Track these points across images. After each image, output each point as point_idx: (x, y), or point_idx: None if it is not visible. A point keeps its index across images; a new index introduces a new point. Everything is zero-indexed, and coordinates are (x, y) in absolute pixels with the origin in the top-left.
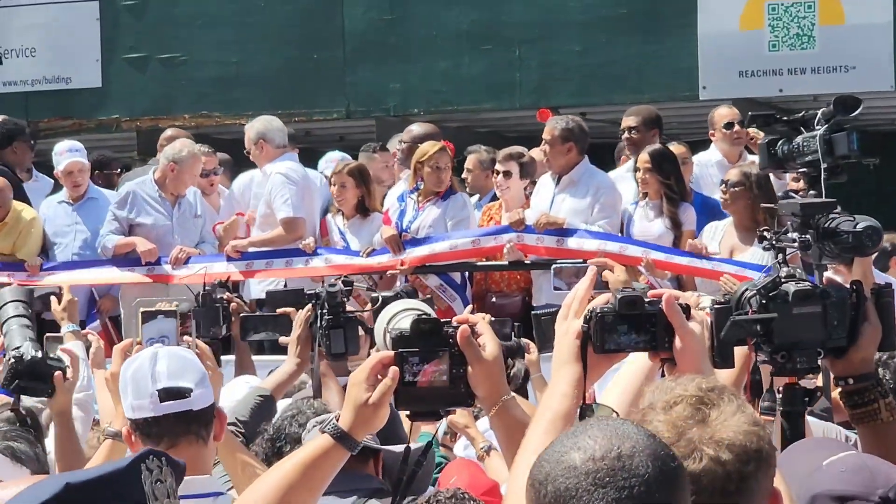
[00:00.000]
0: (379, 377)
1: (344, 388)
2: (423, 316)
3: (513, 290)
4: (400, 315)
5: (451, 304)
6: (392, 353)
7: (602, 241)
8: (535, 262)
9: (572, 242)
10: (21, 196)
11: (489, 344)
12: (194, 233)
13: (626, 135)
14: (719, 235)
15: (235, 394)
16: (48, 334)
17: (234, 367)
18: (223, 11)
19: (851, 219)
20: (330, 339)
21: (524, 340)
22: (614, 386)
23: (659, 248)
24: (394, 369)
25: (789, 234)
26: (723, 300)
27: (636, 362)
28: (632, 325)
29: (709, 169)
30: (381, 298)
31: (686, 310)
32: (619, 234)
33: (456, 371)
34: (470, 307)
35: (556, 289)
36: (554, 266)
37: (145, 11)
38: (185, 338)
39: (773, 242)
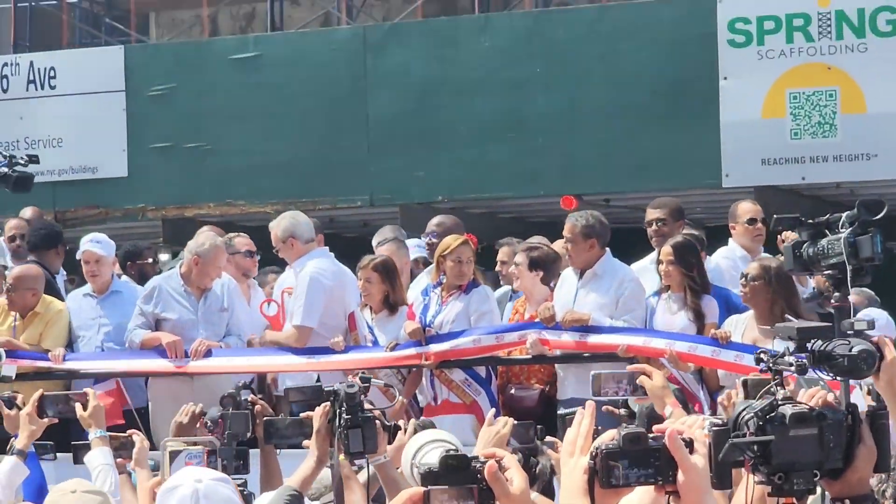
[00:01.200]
0: None
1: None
2: (452, 450)
3: (532, 383)
4: (427, 448)
5: (476, 399)
6: (421, 490)
7: (625, 335)
8: (559, 356)
9: (594, 336)
10: (53, 292)
11: (516, 478)
12: (220, 326)
13: (653, 227)
14: (741, 328)
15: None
16: (74, 442)
17: (260, 468)
18: (249, 101)
19: (846, 342)
20: (348, 438)
21: (551, 439)
22: None
23: (683, 338)
24: None
25: (786, 358)
26: (720, 422)
27: (642, 495)
28: (636, 460)
29: (736, 262)
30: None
31: (689, 444)
32: (644, 327)
33: None
34: (492, 411)
35: (594, 395)
36: (592, 373)
37: (172, 102)
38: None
39: (770, 365)
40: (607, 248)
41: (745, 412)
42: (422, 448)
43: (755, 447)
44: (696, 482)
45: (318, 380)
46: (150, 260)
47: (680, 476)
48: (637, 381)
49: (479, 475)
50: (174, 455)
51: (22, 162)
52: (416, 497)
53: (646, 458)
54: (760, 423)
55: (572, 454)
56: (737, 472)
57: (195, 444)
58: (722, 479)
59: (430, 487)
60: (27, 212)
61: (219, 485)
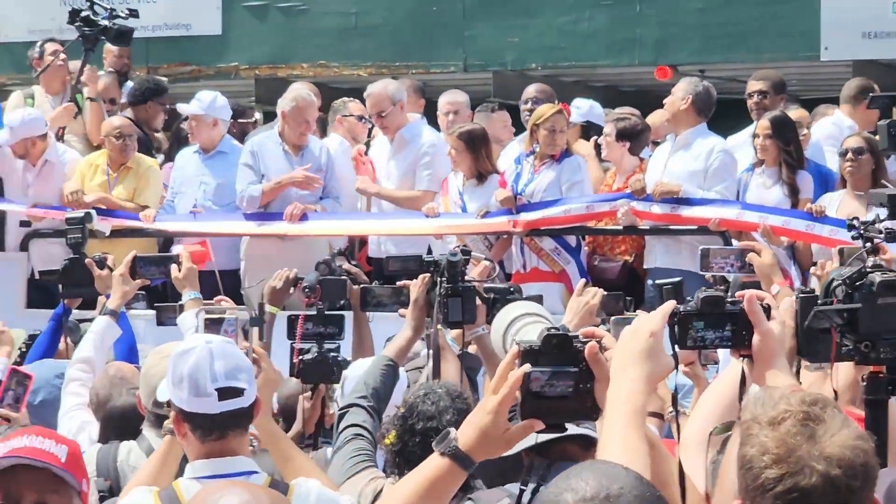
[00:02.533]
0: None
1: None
2: (552, 328)
3: (616, 254)
4: (521, 321)
5: (565, 267)
6: (524, 369)
7: (718, 206)
8: (650, 228)
9: (686, 209)
10: (145, 151)
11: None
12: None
13: (754, 99)
14: (835, 205)
15: (363, 365)
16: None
17: (352, 335)
18: None
19: None
20: (448, 308)
21: (640, 312)
22: (706, 399)
23: (776, 212)
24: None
25: (877, 225)
26: (808, 291)
27: (728, 375)
28: (713, 322)
29: (843, 131)
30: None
31: (767, 310)
32: (735, 200)
33: (583, 385)
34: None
35: (702, 271)
36: (701, 248)
37: None
38: (243, 343)
39: (861, 232)
40: (704, 122)
41: (835, 280)
42: (515, 321)
43: (844, 314)
44: (770, 346)
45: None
46: (252, 119)
47: (755, 340)
48: (746, 259)
49: (579, 354)
50: (210, 323)
51: (122, 15)
52: (518, 383)
53: (723, 321)
54: (848, 290)
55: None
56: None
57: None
58: (808, 346)
59: (531, 369)
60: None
61: (228, 345)
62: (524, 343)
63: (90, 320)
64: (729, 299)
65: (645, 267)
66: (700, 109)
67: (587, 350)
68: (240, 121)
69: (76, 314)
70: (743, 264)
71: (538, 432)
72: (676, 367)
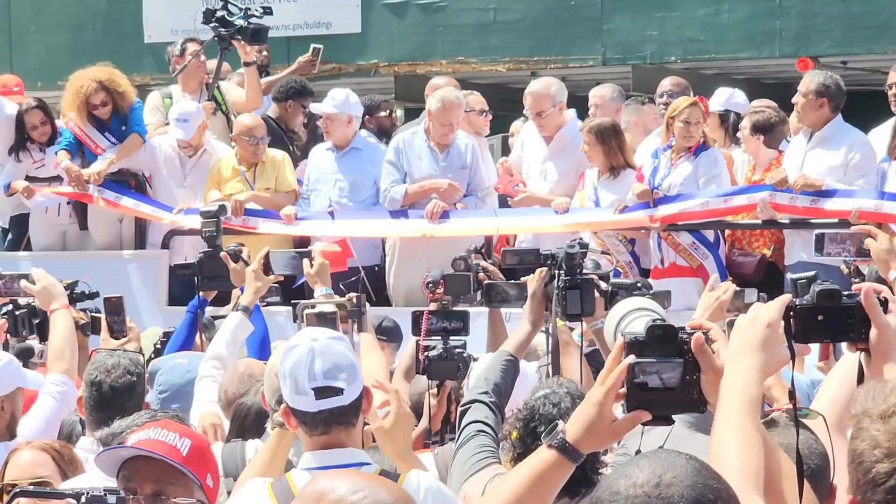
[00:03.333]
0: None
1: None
2: (658, 320)
3: (754, 249)
4: (632, 315)
5: (703, 262)
6: (627, 363)
7: (858, 199)
8: (789, 221)
9: (827, 202)
10: (280, 144)
11: (722, 351)
12: (462, 183)
13: (894, 90)
14: None
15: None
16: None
17: (487, 332)
18: None
19: None
20: (567, 300)
21: None
22: (826, 389)
23: None
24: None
25: None
26: None
27: (846, 366)
28: (830, 316)
29: None
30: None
31: (884, 303)
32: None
33: (689, 377)
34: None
35: (816, 255)
36: (816, 233)
37: None
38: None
39: None
40: (839, 114)
41: None
42: (626, 315)
43: None
44: (887, 340)
45: None
46: (387, 112)
47: (872, 334)
48: (862, 244)
49: (685, 346)
50: (310, 319)
51: (257, 14)
52: (623, 375)
53: (839, 315)
54: None
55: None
56: None
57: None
58: None
59: (636, 360)
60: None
61: (334, 342)
62: (629, 334)
63: (224, 317)
64: (845, 293)
65: (787, 263)
66: (832, 104)
67: (693, 341)
68: (376, 115)
69: (210, 310)
70: (859, 249)
71: (644, 424)
72: (793, 360)
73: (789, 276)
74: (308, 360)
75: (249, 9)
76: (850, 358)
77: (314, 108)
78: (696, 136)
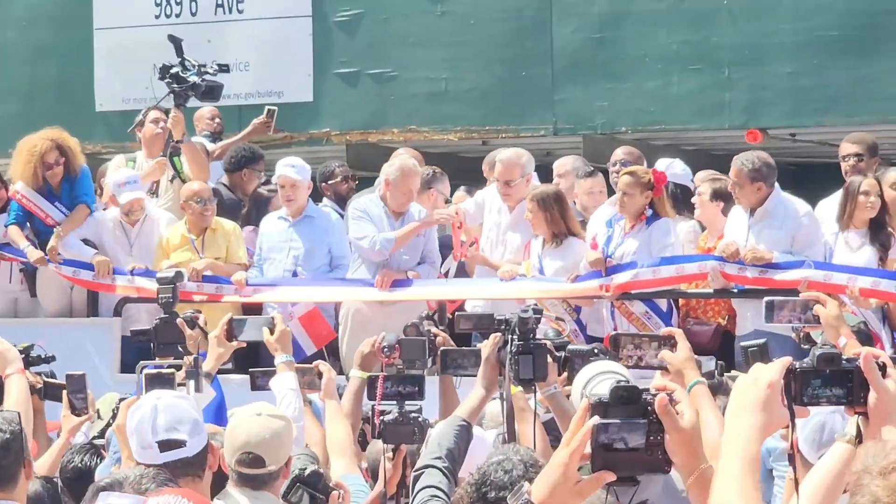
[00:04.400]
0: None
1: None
2: (623, 381)
3: (708, 318)
4: (598, 378)
5: (656, 332)
6: (591, 423)
7: (807, 269)
8: (740, 290)
9: (777, 273)
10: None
11: (687, 412)
12: (416, 251)
13: (850, 161)
14: None
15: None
16: (252, 369)
17: (439, 399)
18: (434, 29)
19: None
20: (519, 364)
21: (735, 372)
22: (812, 478)
23: (866, 272)
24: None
25: None
26: None
27: (834, 457)
28: (828, 379)
29: None
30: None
31: (883, 368)
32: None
33: (653, 438)
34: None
35: (767, 323)
36: (766, 300)
37: (357, 28)
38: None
39: None
40: (776, 185)
41: None
42: (593, 379)
43: None
44: (886, 405)
45: None
46: (343, 179)
47: (871, 398)
48: (811, 310)
49: (649, 408)
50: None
51: (211, 72)
52: (588, 436)
53: (839, 379)
54: None
55: (764, 371)
56: None
57: None
58: None
59: (600, 421)
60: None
61: (178, 400)
62: (594, 396)
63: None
64: (844, 357)
65: (738, 332)
66: (768, 182)
67: (657, 402)
68: (332, 182)
69: None
70: (809, 316)
71: (609, 484)
72: (793, 423)
73: (740, 343)
74: (152, 417)
75: (204, 66)
76: (838, 449)
77: (286, 174)
78: (629, 207)
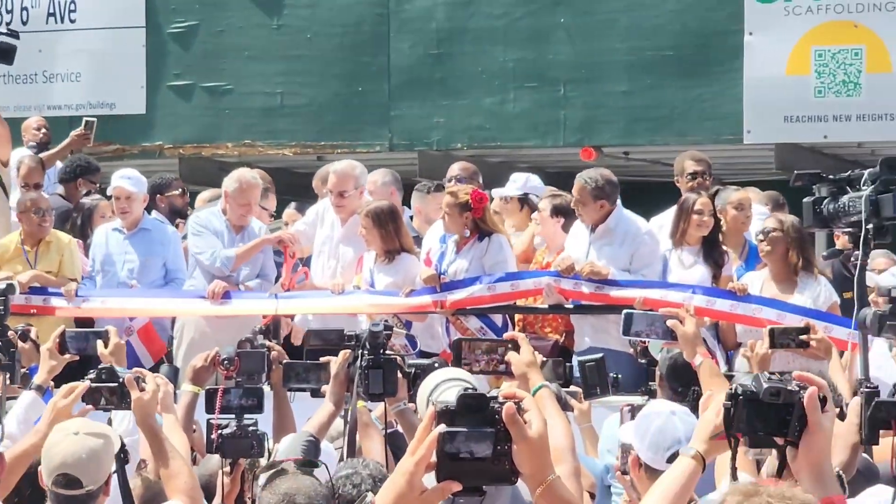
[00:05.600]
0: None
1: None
2: (469, 389)
3: (547, 333)
4: (444, 385)
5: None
6: (437, 432)
7: (643, 287)
8: (576, 306)
9: (612, 289)
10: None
11: (535, 421)
12: (255, 266)
13: (695, 179)
14: (758, 284)
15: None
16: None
17: (273, 413)
18: (270, 43)
19: None
20: (369, 379)
21: (574, 388)
22: (658, 486)
23: (702, 291)
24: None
25: None
26: (871, 385)
27: (675, 472)
28: (770, 411)
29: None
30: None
31: (823, 401)
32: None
33: (500, 447)
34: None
35: (624, 335)
36: (625, 312)
37: (192, 40)
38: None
39: None
40: (618, 202)
41: None
42: (439, 386)
43: None
44: (820, 445)
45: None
46: (179, 191)
47: (807, 434)
48: (669, 326)
49: (497, 416)
50: None
51: (4, 31)
52: (433, 444)
53: (781, 412)
54: None
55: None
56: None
57: None
58: (870, 434)
59: (446, 429)
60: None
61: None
62: (440, 403)
63: (14, 398)
64: (790, 388)
65: (575, 349)
66: (611, 199)
67: (504, 411)
68: (168, 195)
69: None
70: (666, 331)
71: (455, 495)
72: (733, 452)
73: (576, 358)
74: None
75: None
76: (681, 463)
77: (122, 186)
78: (450, 226)
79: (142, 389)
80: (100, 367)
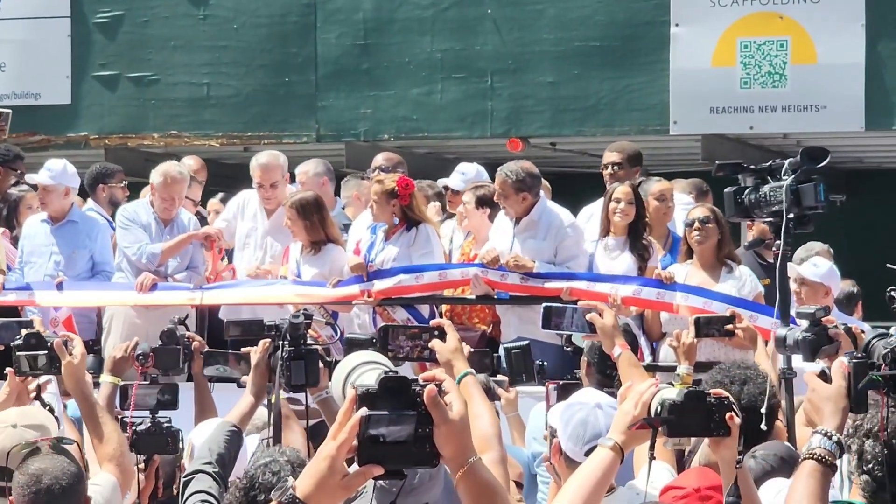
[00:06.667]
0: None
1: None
2: (390, 372)
3: (475, 324)
4: (361, 368)
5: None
6: (359, 415)
7: (568, 280)
8: (504, 297)
9: (538, 280)
10: None
11: (456, 403)
12: (185, 258)
13: (609, 170)
14: (683, 273)
15: (207, 430)
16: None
17: (194, 404)
18: (196, 33)
19: None
20: (291, 371)
21: (500, 378)
22: (576, 476)
23: (628, 280)
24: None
25: None
26: (860, 355)
27: (597, 459)
28: (696, 413)
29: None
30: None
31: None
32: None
33: (421, 430)
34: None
35: (544, 329)
36: (544, 306)
37: (117, 30)
38: None
39: None
40: (541, 195)
41: (875, 342)
42: (355, 369)
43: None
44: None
45: None
46: (122, 184)
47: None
48: (588, 318)
49: (418, 399)
50: None
51: None
52: (356, 427)
53: (706, 414)
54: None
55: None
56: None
57: None
58: (859, 404)
59: (367, 412)
60: None
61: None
62: (361, 387)
63: None
64: (708, 391)
65: (503, 340)
66: (533, 191)
67: (426, 394)
68: (110, 185)
69: None
70: (585, 324)
71: (377, 478)
72: (652, 446)
73: (502, 346)
74: None
75: None
76: (600, 454)
77: (33, 178)
78: (378, 215)
79: (70, 354)
80: (26, 332)
